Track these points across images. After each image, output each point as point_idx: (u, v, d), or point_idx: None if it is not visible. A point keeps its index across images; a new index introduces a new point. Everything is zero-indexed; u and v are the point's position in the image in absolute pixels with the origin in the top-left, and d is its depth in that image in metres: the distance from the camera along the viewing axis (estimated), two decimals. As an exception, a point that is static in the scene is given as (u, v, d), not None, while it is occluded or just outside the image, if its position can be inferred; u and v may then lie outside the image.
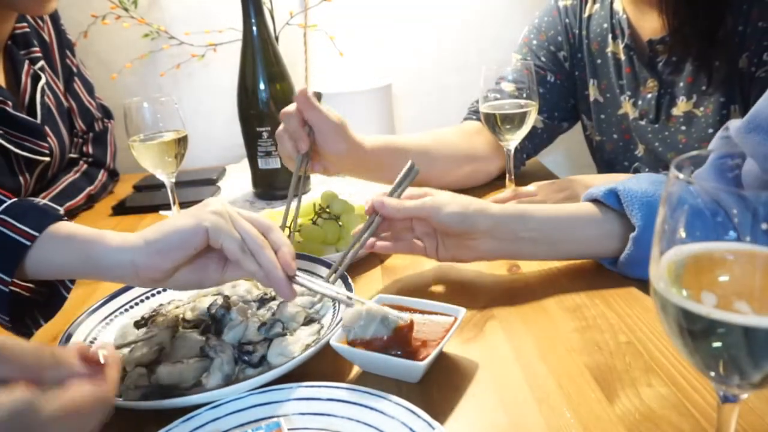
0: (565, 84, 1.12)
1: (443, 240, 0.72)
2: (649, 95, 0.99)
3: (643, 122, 1.01)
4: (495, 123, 0.94)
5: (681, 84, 0.94)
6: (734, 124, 0.61)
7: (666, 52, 0.95)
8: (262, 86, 1.09)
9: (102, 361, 0.44)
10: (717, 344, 0.33)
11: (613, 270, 0.72)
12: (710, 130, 0.92)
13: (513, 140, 0.95)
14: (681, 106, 0.95)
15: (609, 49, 1.04)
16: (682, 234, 0.34)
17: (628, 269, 0.70)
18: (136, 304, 0.72)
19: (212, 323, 0.64)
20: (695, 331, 0.33)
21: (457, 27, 1.56)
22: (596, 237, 0.71)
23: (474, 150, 1.07)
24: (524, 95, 0.93)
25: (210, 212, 0.58)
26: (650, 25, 0.96)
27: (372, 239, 0.73)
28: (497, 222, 0.70)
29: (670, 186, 0.34)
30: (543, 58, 1.11)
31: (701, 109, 0.93)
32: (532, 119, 0.94)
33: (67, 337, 0.63)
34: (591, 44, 1.07)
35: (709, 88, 0.91)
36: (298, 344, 0.61)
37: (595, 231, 0.70)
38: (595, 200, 0.72)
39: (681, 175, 0.34)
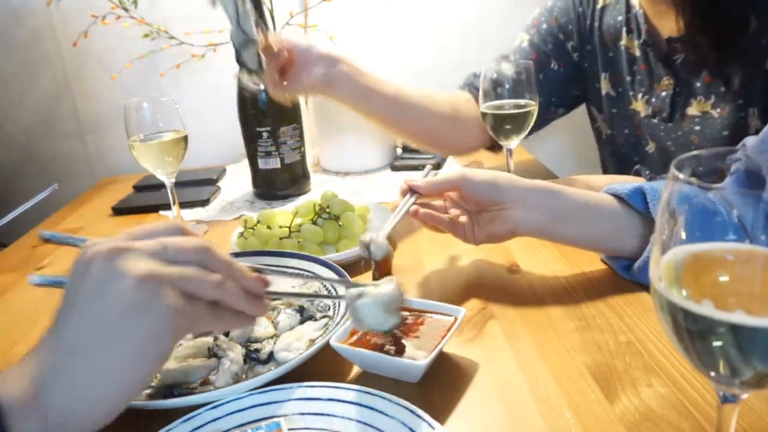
0: (568, 73, 1.10)
1: (477, 218, 0.72)
2: (664, 93, 0.96)
3: (655, 120, 0.99)
4: (495, 123, 0.94)
5: (698, 84, 0.92)
6: (750, 141, 0.61)
7: (684, 50, 0.92)
8: (262, 86, 1.09)
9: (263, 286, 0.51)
10: (717, 344, 0.33)
11: (626, 277, 0.71)
12: (725, 132, 0.90)
13: (513, 141, 0.95)
14: (697, 106, 0.93)
15: (622, 43, 1.02)
16: (682, 234, 0.34)
17: (645, 274, 0.67)
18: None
19: None
20: (695, 331, 0.33)
21: (456, 27, 1.56)
22: (619, 228, 0.69)
23: (457, 114, 1.08)
24: (522, 79, 0.93)
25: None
26: (668, 24, 0.93)
27: (415, 206, 0.73)
28: (528, 191, 0.69)
29: (670, 186, 0.34)
30: (550, 45, 1.09)
31: (718, 110, 0.91)
32: (533, 119, 0.94)
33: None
34: (603, 35, 1.05)
35: (729, 90, 0.89)
36: (303, 340, 0.62)
37: (618, 222, 0.69)
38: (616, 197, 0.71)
39: (681, 175, 0.34)
